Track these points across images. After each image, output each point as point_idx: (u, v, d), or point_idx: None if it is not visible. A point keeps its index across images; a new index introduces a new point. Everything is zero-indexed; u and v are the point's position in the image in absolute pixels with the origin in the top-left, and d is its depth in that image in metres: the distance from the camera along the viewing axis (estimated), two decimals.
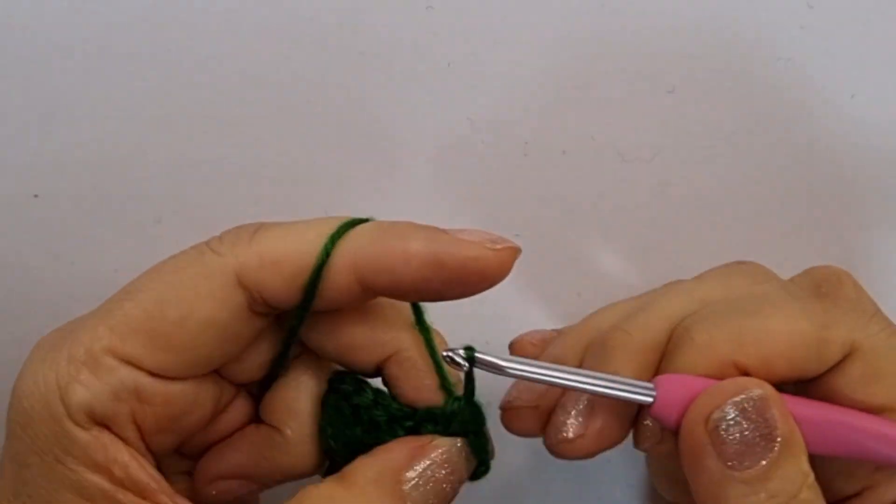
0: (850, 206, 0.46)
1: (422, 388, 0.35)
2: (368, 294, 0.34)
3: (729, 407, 0.32)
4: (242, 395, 0.37)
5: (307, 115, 0.44)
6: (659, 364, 0.35)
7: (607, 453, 0.43)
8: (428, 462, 0.34)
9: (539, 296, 0.45)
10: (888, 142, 0.46)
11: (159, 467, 0.33)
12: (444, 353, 0.34)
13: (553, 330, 0.41)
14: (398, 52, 0.44)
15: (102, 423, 0.32)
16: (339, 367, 0.37)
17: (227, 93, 0.43)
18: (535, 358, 0.36)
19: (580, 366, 0.37)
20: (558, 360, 0.38)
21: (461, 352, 0.33)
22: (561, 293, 0.45)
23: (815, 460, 0.33)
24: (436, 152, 0.45)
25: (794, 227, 0.46)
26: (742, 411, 0.32)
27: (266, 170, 0.44)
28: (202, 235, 0.35)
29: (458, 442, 0.35)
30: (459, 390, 0.36)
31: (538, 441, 0.37)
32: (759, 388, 0.32)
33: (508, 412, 0.37)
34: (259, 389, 0.37)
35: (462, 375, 0.35)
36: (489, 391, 0.37)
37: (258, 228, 0.34)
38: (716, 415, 0.32)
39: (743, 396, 0.32)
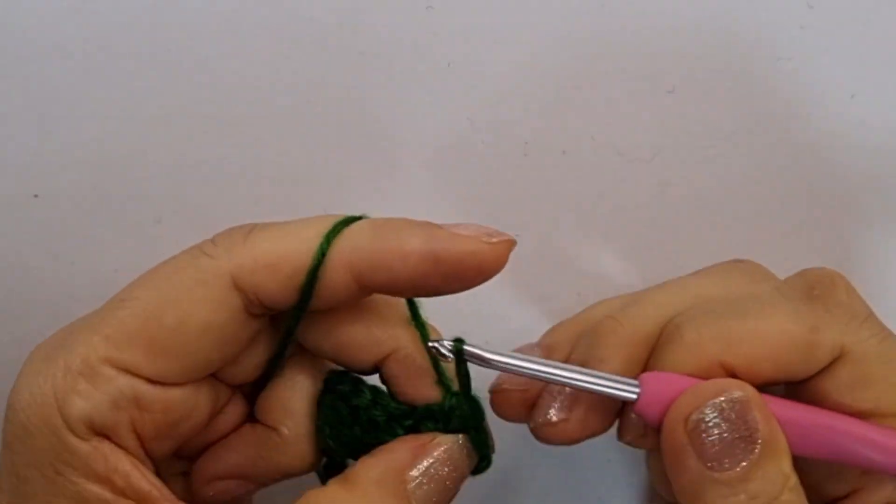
0: (850, 206, 0.46)
1: (420, 386, 0.35)
2: (365, 292, 0.34)
3: (708, 408, 0.32)
4: (237, 395, 0.37)
5: (307, 115, 0.44)
6: (648, 357, 0.35)
7: (607, 453, 0.43)
8: (431, 460, 0.34)
9: (539, 295, 0.45)
10: (888, 142, 0.46)
11: (157, 471, 0.33)
12: (431, 345, 0.34)
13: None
14: (398, 52, 0.44)
15: (102, 433, 0.32)
16: (334, 366, 0.37)
17: (227, 93, 0.43)
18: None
19: (571, 354, 0.37)
20: (551, 348, 0.38)
21: (447, 343, 0.34)
22: (561, 293, 0.45)
23: (804, 462, 0.33)
24: (436, 152, 0.45)
25: (794, 227, 0.46)
26: (721, 413, 0.32)
27: (266, 170, 0.44)
28: (202, 235, 0.35)
29: (460, 439, 0.35)
30: (457, 386, 0.36)
31: (537, 441, 0.38)
32: (739, 390, 0.32)
33: (497, 395, 0.37)
34: (253, 389, 0.37)
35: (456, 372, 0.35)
36: (487, 386, 0.37)
37: (251, 230, 0.33)
38: (695, 416, 0.32)
39: (722, 398, 0.32)
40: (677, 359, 0.34)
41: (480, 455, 0.36)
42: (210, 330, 0.32)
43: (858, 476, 0.35)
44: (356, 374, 0.37)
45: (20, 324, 0.43)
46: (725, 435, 0.31)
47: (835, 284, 0.34)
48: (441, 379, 0.36)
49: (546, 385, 0.36)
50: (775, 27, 0.45)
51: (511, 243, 0.33)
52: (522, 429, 0.38)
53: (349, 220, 0.34)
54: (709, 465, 0.31)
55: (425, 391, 0.35)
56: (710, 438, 0.31)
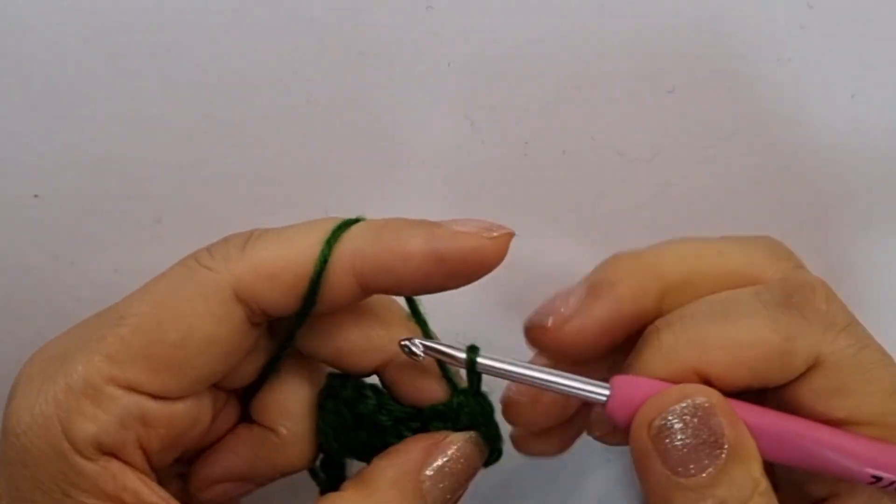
0: (850, 207, 0.46)
1: (425, 388, 0.36)
2: (368, 293, 0.34)
3: (670, 414, 0.32)
4: (231, 397, 0.37)
5: (307, 115, 0.44)
6: (660, 294, 0.35)
7: (607, 453, 0.43)
8: (444, 459, 0.34)
9: (539, 295, 0.45)
10: (888, 142, 0.46)
11: (158, 479, 0.33)
12: (402, 343, 0.34)
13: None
14: (398, 52, 0.44)
15: (109, 452, 0.31)
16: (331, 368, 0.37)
17: (227, 93, 0.43)
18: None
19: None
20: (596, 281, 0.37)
21: (418, 342, 0.34)
22: None
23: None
24: (436, 152, 0.45)
25: (794, 227, 0.46)
26: (684, 418, 0.31)
27: (266, 170, 0.44)
28: (202, 235, 0.35)
29: (472, 436, 0.35)
30: (461, 382, 0.36)
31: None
32: (702, 396, 0.32)
33: (509, 407, 0.37)
34: (246, 390, 0.37)
35: (458, 370, 0.35)
36: (491, 379, 0.37)
37: (248, 238, 0.33)
38: (657, 421, 0.32)
39: (684, 404, 0.32)
40: (652, 362, 0.34)
41: (492, 448, 0.36)
42: (213, 343, 0.32)
43: (835, 481, 0.35)
44: (357, 378, 0.36)
45: (20, 324, 0.43)
46: (689, 440, 0.31)
47: (815, 292, 0.34)
48: (447, 378, 0.36)
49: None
50: (775, 27, 0.45)
51: (510, 235, 0.33)
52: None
53: (347, 224, 0.34)
54: (674, 470, 0.31)
55: (430, 392, 0.36)
56: (673, 444, 0.31)
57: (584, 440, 0.39)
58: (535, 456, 0.39)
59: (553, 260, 0.46)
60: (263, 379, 0.36)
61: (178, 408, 0.33)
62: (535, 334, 0.36)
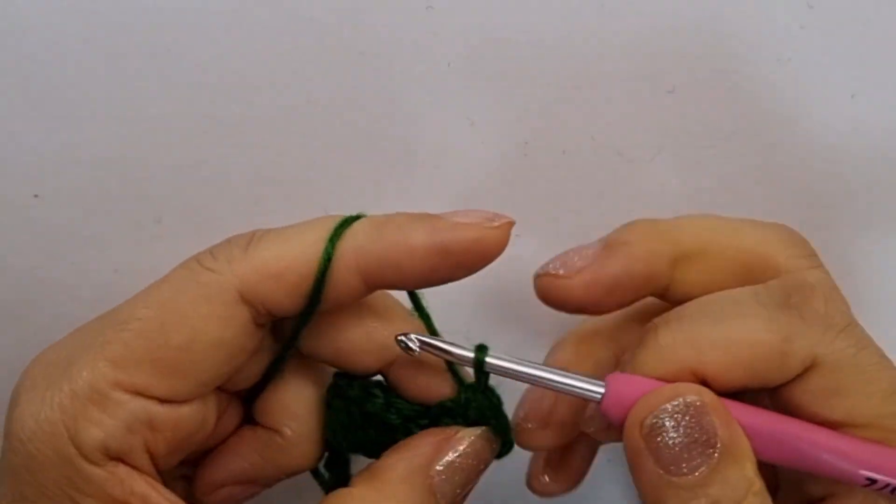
0: (850, 206, 0.46)
1: (431, 386, 0.36)
2: (372, 290, 0.34)
3: (662, 412, 0.32)
4: (234, 399, 0.37)
5: (307, 115, 0.44)
6: (673, 260, 0.36)
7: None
8: (455, 454, 0.34)
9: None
10: (888, 142, 0.46)
11: (163, 482, 0.33)
12: (399, 338, 0.34)
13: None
14: (398, 52, 0.44)
15: (117, 457, 0.31)
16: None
17: (226, 93, 0.43)
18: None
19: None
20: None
21: (413, 337, 0.34)
22: None
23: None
24: (436, 152, 0.45)
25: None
26: (675, 417, 0.32)
27: (266, 170, 0.44)
28: (202, 235, 0.35)
29: (483, 431, 0.35)
30: (467, 377, 0.36)
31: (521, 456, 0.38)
32: (694, 395, 0.32)
33: (522, 433, 0.38)
34: (248, 392, 0.37)
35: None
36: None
37: (250, 240, 0.33)
38: (649, 420, 0.32)
39: (676, 402, 0.32)
40: (649, 361, 0.34)
41: (503, 440, 0.36)
42: (219, 345, 0.32)
43: (832, 482, 0.35)
44: (364, 379, 0.36)
45: (21, 324, 0.43)
46: (681, 439, 0.31)
47: (813, 293, 0.34)
48: (454, 374, 0.36)
49: (526, 401, 0.37)
50: (775, 27, 0.45)
51: (511, 224, 0.33)
52: None
53: (349, 221, 0.34)
54: (666, 469, 0.31)
55: (436, 389, 0.36)
56: (665, 443, 0.31)
57: None
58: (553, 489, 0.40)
59: None
60: (266, 380, 0.36)
61: (185, 411, 0.33)
62: (546, 281, 0.36)
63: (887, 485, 0.32)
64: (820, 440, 0.33)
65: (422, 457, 0.34)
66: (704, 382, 0.33)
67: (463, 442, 0.34)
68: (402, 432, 0.35)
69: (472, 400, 0.35)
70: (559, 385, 0.34)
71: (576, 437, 0.38)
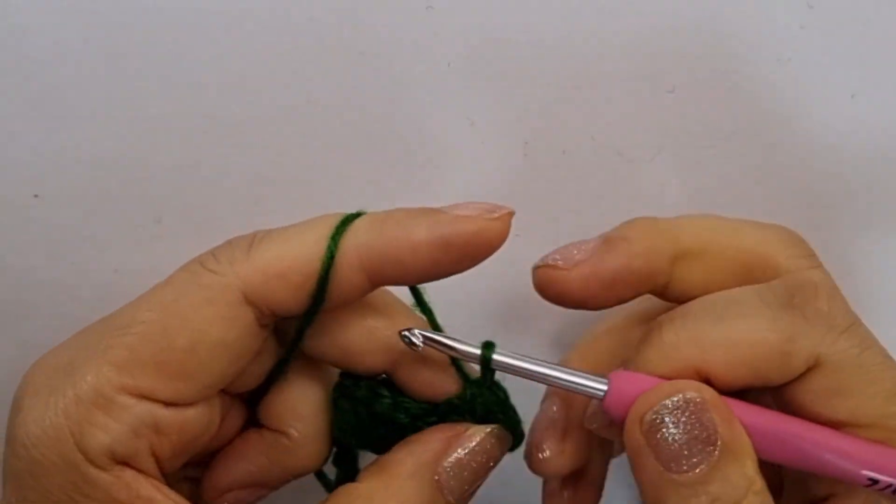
0: (850, 206, 0.46)
1: (437, 383, 0.36)
2: (375, 286, 0.34)
3: (661, 409, 0.32)
4: (236, 400, 0.37)
5: (307, 115, 0.44)
6: (673, 258, 0.36)
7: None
8: (464, 451, 0.34)
9: (538, 295, 0.45)
10: (888, 142, 0.46)
11: (167, 484, 0.33)
12: (403, 333, 0.34)
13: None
14: (398, 52, 0.44)
15: (123, 461, 0.31)
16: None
17: (226, 93, 0.43)
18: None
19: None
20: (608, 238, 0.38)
21: (417, 332, 0.34)
22: None
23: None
24: (436, 152, 0.45)
25: (794, 227, 0.46)
26: (674, 413, 0.32)
27: (266, 169, 0.44)
28: (202, 235, 0.35)
29: (493, 429, 0.35)
30: (472, 372, 0.36)
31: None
32: (694, 391, 0.32)
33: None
34: (251, 394, 0.37)
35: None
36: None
37: (252, 241, 0.33)
38: (648, 416, 0.32)
39: (676, 398, 0.32)
40: (653, 359, 0.34)
41: (512, 433, 0.36)
42: (224, 347, 0.32)
43: (835, 481, 0.35)
44: (368, 377, 0.36)
45: (21, 324, 0.43)
46: (680, 436, 0.31)
47: (817, 292, 0.34)
48: (459, 369, 0.36)
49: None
50: (775, 27, 0.45)
51: (511, 214, 0.33)
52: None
53: (350, 218, 0.34)
54: (666, 466, 0.31)
55: (443, 386, 0.36)
56: (665, 439, 0.31)
57: None
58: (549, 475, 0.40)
59: None
60: (270, 382, 0.36)
61: (190, 414, 0.33)
62: (544, 273, 0.36)
63: (889, 485, 0.33)
64: (822, 440, 0.33)
65: (431, 453, 0.34)
66: (708, 381, 0.33)
67: (473, 439, 0.34)
68: (410, 430, 0.35)
69: (479, 396, 0.35)
70: (563, 382, 0.34)
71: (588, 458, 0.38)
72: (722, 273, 0.36)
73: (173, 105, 0.43)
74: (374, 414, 0.36)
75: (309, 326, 0.34)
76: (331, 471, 0.39)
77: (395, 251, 0.32)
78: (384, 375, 0.37)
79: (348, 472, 0.38)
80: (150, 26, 0.42)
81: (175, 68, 0.43)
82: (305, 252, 0.33)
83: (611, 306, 0.36)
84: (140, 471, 0.32)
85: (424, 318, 0.37)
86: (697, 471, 0.31)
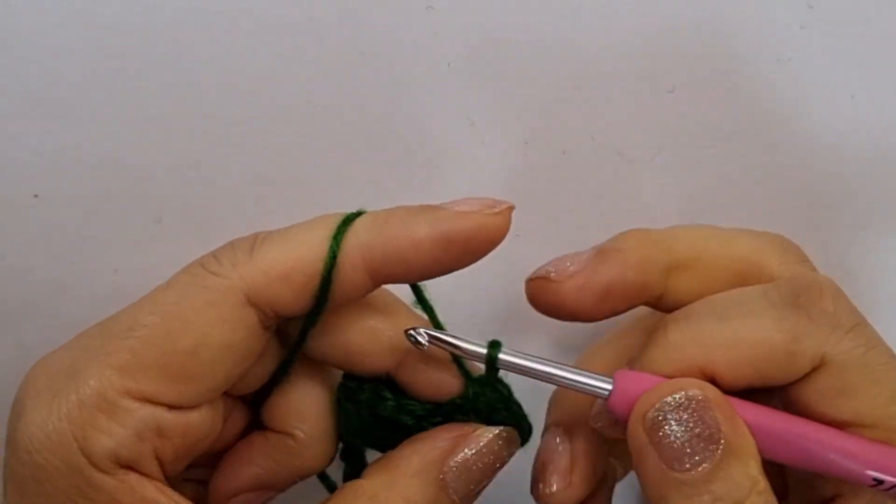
0: (850, 207, 0.46)
1: (440, 383, 0.36)
2: (378, 285, 0.34)
3: (663, 406, 0.32)
4: (237, 402, 0.37)
5: (307, 115, 0.44)
6: (666, 269, 0.36)
7: None
8: (471, 451, 0.34)
9: None
10: (888, 142, 0.46)
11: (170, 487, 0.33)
12: (408, 332, 0.34)
13: None
14: (398, 52, 0.44)
15: (127, 465, 0.31)
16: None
17: (226, 93, 0.43)
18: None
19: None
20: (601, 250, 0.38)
21: (423, 331, 0.34)
22: None
23: None
24: (436, 152, 0.45)
25: (794, 227, 0.46)
26: (677, 411, 0.32)
27: (266, 170, 0.44)
28: (202, 235, 0.35)
29: (501, 430, 0.35)
30: (473, 370, 0.36)
31: (537, 442, 0.38)
32: (696, 389, 0.32)
33: (543, 497, 0.37)
34: (253, 396, 0.37)
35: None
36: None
37: (254, 242, 0.33)
38: (650, 414, 0.32)
39: (678, 395, 0.32)
40: (658, 359, 0.34)
41: (519, 428, 0.36)
42: (227, 349, 0.32)
43: (841, 481, 0.35)
44: (372, 380, 0.36)
45: (20, 324, 0.43)
46: (683, 434, 0.31)
47: (822, 293, 0.34)
48: (460, 366, 0.36)
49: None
50: (775, 27, 0.45)
51: (511, 208, 0.33)
52: None
53: (351, 218, 0.34)
54: (669, 464, 0.31)
55: (446, 386, 0.36)
56: (667, 437, 0.31)
57: None
58: None
59: None
60: (273, 384, 0.36)
61: (193, 417, 0.33)
62: (536, 285, 0.36)
63: (894, 485, 0.32)
64: (827, 440, 0.33)
65: (437, 451, 0.34)
66: (713, 381, 0.33)
67: (481, 439, 0.34)
68: (415, 431, 0.35)
69: (481, 394, 0.35)
70: (568, 382, 0.34)
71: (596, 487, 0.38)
72: (716, 282, 0.36)
73: (173, 105, 0.43)
74: (378, 416, 0.36)
75: (312, 327, 0.34)
76: (332, 471, 0.39)
77: (397, 249, 0.32)
78: (387, 376, 0.37)
79: (356, 467, 0.38)
80: (149, 26, 0.42)
81: (175, 68, 0.43)
82: (308, 253, 0.32)
83: (604, 318, 0.36)
84: (144, 474, 0.31)
85: (426, 316, 0.37)
86: (700, 469, 0.31)
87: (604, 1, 0.44)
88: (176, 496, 0.32)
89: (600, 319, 0.36)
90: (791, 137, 0.45)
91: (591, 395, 0.34)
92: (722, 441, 0.31)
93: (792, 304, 0.33)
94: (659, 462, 0.31)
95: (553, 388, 0.39)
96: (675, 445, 0.31)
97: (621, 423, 0.33)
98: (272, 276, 0.32)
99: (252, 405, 0.37)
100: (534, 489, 0.38)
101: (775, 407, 0.34)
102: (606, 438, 0.37)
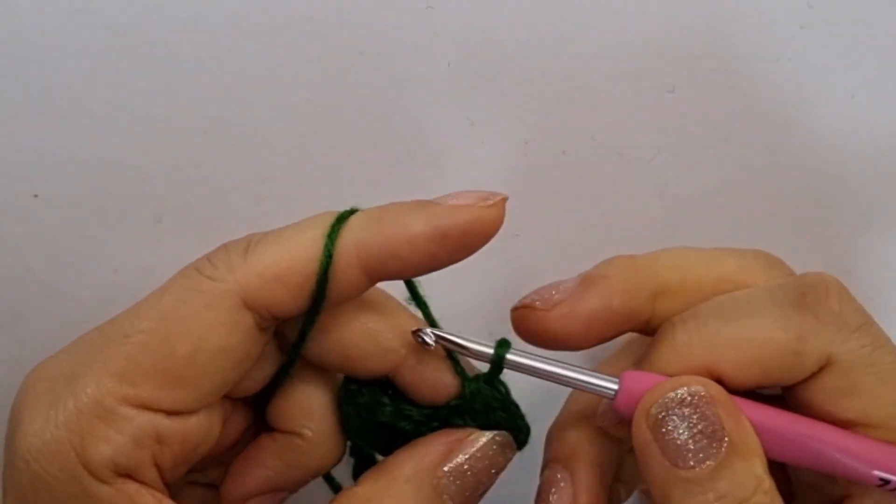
0: (850, 207, 0.46)
1: (439, 385, 0.36)
2: (374, 282, 0.34)
3: (666, 401, 0.32)
4: (238, 404, 0.37)
5: (307, 115, 0.44)
6: (653, 294, 0.35)
7: None
8: (465, 457, 0.34)
9: None
10: (888, 142, 0.46)
11: (170, 492, 0.33)
12: (416, 332, 0.34)
13: None
14: (398, 52, 0.44)
15: (126, 473, 0.31)
16: None
17: (226, 93, 0.43)
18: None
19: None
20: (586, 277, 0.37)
21: (429, 331, 0.34)
22: None
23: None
24: (436, 152, 0.45)
25: (794, 227, 0.46)
26: (680, 407, 0.32)
27: (266, 170, 0.44)
28: (202, 235, 0.35)
29: (496, 435, 0.35)
30: (470, 370, 0.36)
31: (538, 442, 0.38)
32: (698, 385, 0.32)
33: (520, 311, 0.36)
34: (255, 397, 0.37)
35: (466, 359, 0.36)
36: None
37: (248, 244, 0.33)
38: (654, 410, 0.32)
39: (681, 391, 0.32)
40: (665, 359, 0.34)
41: (518, 428, 0.36)
42: (225, 353, 0.32)
43: (847, 482, 0.35)
44: (371, 383, 0.36)
45: (20, 324, 0.43)
46: (686, 431, 0.31)
47: (828, 292, 0.34)
48: (456, 363, 0.36)
49: (546, 492, 0.37)
50: (775, 27, 0.45)
51: (505, 199, 0.33)
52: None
53: (344, 216, 0.33)
54: (674, 462, 0.31)
55: (445, 388, 0.36)
56: (671, 434, 0.31)
57: None
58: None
59: (553, 260, 0.46)
60: (276, 385, 0.36)
61: (192, 422, 0.33)
62: (522, 315, 0.36)
63: None
64: (832, 440, 0.33)
65: (431, 457, 0.34)
66: (719, 381, 0.33)
67: (475, 444, 0.34)
68: (414, 436, 0.35)
69: (477, 393, 0.35)
70: (575, 381, 0.34)
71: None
72: None
73: (173, 105, 0.43)
74: (377, 421, 0.36)
75: (311, 327, 0.34)
76: (336, 472, 0.39)
77: (392, 246, 0.32)
78: (386, 379, 0.37)
79: (367, 463, 0.38)
80: (149, 26, 0.42)
81: (175, 68, 0.43)
82: (303, 253, 0.32)
83: (591, 346, 0.36)
84: (143, 482, 0.31)
85: (420, 312, 0.37)
86: (704, 466, 0.31)
87: (604, 1, 0.44)
88: None
89: (587, 347, 0.36)
90: (791, 137, 0.45)
91: (598, 394, 0.34)
92: (726, 439, 0.31)
93: (798, 304, 0.33)
94: (663, 460, 0.31)
95: (552, 395, 0.39)
96: (678, 442, 0.31)
97: (627, 422, 0.33)
98: (267, 277, 0.32)
99: (255, 407, 0.37)
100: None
101: (781, 407, 0.34)
102: (607, 468, 0.37)
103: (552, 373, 0.34)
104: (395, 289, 0.37)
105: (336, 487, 0.40)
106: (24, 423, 0.31)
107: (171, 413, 0.32)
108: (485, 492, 0.35)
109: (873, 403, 0.33)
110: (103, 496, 0.30)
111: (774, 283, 0.35)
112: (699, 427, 0.31)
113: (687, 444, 0.31)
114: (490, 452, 0.34)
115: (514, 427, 0.36)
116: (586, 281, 0.36)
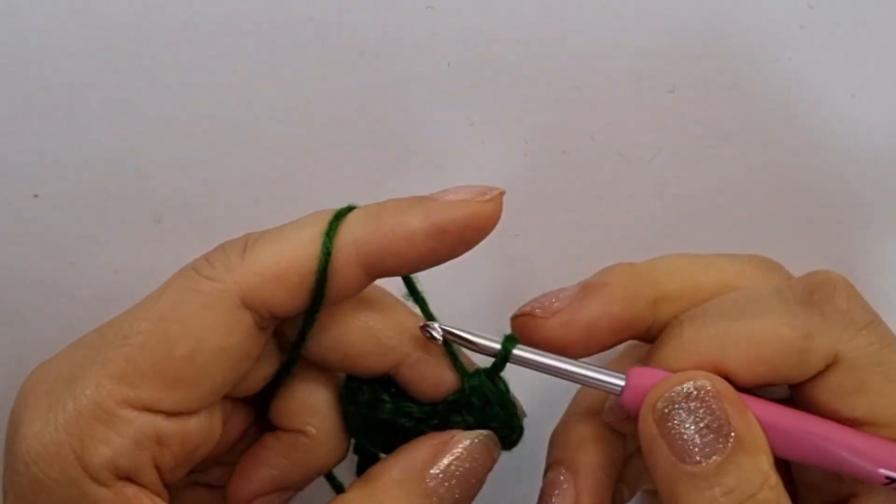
0: (850, 206, 0.46)
1: (440, 381, 0.36)
2: (373, 279, 0.34)
3: (672, 396, 0.32)
4: (238, 404, 0.37)
5: (307, 115, 0.44)
6: (653, 302, 0.36)
7: None
8: (451, 458, 0.34)
9: (538, 295, 0.45)
10: (888, 142, 0.46)
11: (170, 494, 0.33)
12: (424, 328, 0.34)
13: None
14: (398, 52, 0.44)
15: (125, 476, 0.31)
16: None
17: (226, 92, 0.43)
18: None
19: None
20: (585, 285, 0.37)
21: (437, 326, 0.34)
22: None
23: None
24: (436, 152, 0.45)
25: (794, 227, 0.46)
26: (685, 401, 0.32)
27: (266, 170, 0.44)
28: (202, 235, 0.35)
29: (481, 434, 0.35)
30: (470, 366, 0.36)
31: (538, 441, 0.38)
32: (705, 380, 0.32)
33: (520, 318, 0.36)
34: (255, 397, 0.37)
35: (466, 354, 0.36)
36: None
37: (245, 244, 0.33)
38: (660, 404, 0.32)
39: (687, 385, 0.32)
40: (672, 355, 0.34)
41: (512, 425, 0.36)
42: (224, 353, 0.32)
43: (854, 481, 0.35)
44: (372, 380, 0.36)
45: (20, 324, 0.43)
46: (692, 425, 0.31)
47: (835, 290, 0.34)
48: (455, 358, 0.36)
49: (549, 493, 0.37)
50: (775, 27, 0.45)
51: (502, 193, 0.33)
52: (525, 427, 0.38)
53: (342, 213, 0.33)
54: (680, 457, 0.31)
55: (445, 384, 0.36)
56: (677, 429, 0.31)
57: None
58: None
59: (553, 260, 0.46)
60: (278, 384, 0.36)
61: (192, 423, 0.32)
62: (522, 322, 0.36)
63: None
64: (839, 438, 0.33)
65: (418, 461, 0.34)
66: (726, 378, 0.33)
67: (460, 445, 0.34)
68: (415, 433, 0.35)
69: (475, 388, 0.35)
70: (582, 377, 0.34)
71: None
72: None
73: (173, 105, 0.43)
74: (378, 420, 0.36)
75: (311, 326, 0.34)
76: (338, 472, 0.39)
77: (390, 243, 0.32)
78: (387, 376, 0.37)
79: (371, 460, 0.38)
80: (150, 26, 0.42)
81: (175, 68, 0.43)
82: (301, 251, 0.32)
83: (592, 354, 0.36)
84: (142, 485, 0.31)
85: (417, 308, 0.37)
86: (711, 461, 0.31)
87: (604, 1, 0.44)
88: None
89: (588, 355, 0.36)
90: (791, 137, 0.45)
91: (605, 390, 0.34)
92: (732, 434, 0.31)
93: (805, 302, 0.34)
94: (669, 454, 0.31)
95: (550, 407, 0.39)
96: (685, 437, 0.31)
97: (633, 419, 0.33)
98: (266, 277, 0.32)
99: (256, 406, 0.37)
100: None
101: (788, 405, 0.34)
102: (610, 470, 0.37)
103: (559, 368, 0.34)
104: (393, 285, 0.37)
105: (338, 487, 0.40)
106: (23, 425, 0.31)
107: (170, 414, 0.32)
108: (475, 493, 0.35)
109: (880, 402, 0.33)
110: (102, 499, 0.30)
111: (783, 283, 0.35)
112: (705, 422, 0.31)
113: (693, 438, 0.31)
114: (475, 453, 0.34)
115: (509, 425, 0.36)
116: (586, 288, 0.36)
